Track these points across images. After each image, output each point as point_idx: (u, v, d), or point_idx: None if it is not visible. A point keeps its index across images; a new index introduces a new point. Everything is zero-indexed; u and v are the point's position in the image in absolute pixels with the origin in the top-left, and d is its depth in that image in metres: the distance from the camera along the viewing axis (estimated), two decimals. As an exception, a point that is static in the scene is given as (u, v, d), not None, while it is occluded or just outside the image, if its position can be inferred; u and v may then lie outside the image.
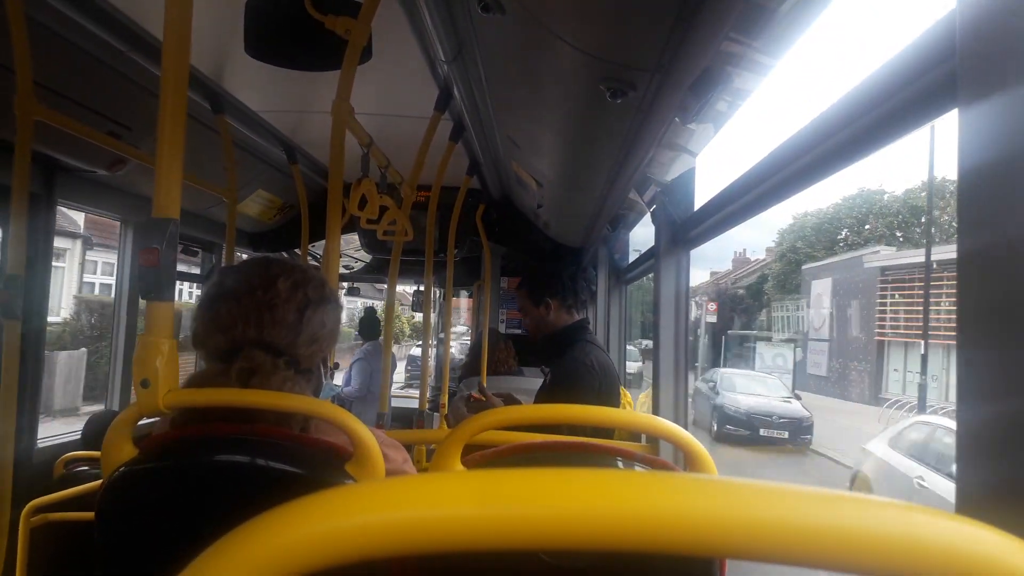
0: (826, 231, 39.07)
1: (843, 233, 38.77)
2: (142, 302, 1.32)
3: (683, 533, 0.38)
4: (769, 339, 33.09)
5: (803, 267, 35.58)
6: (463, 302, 11.81)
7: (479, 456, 1.40)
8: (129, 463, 1.24)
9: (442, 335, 5.73)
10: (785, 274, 39.13)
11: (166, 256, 1.25)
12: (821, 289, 32.31)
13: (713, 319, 37.09)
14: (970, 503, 0.73)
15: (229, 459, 1.27)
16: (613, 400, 2.81)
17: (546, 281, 3.02)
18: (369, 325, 7.17)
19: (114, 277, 4.10)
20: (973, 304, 0.72)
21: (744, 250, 48.87)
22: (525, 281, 3.12)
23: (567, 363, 2.79)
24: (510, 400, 3.06)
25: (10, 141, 2.17)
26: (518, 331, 5.91)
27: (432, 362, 5.82)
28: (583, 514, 0.38)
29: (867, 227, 38.02)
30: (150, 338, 1.25)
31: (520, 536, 0.38)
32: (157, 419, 1.39)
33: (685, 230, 2.31)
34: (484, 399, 3.03)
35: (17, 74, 2.08)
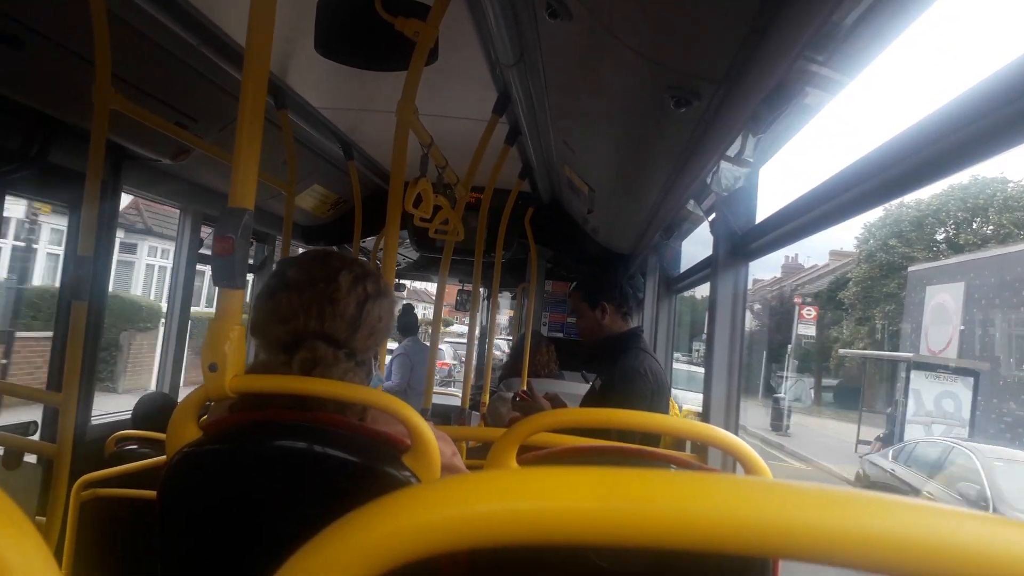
0: (929, 226, 29.71)
1: (948, 229, 29.52)
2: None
3: (743, 534, 0.38)
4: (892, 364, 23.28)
5: (909, 269, 26.54)
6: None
7: (533, 456, 1.41)
8: (193, 444, 1.28)
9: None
10: (874, 278, 30.38)
11: (240, 245, 1.29)
12: (944, 297, 23.20)
13: (811, 330, 29.99)
14: None
15: (289, 444, 1.30)
16: (663, 408, 2.81)
17: (603, 285, 3.02)
18: (407, 322, 7.27)
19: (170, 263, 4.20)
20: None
21: (795, 255, 43.55)
22: (581, 283, 3.12)
23: (620, 370, 2.79)
24: (557, 401, 3.07)
25: (84, 128, 2.24)
26: (559, 334, 5.91)
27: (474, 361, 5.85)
28: (696, 514, 0.38)
29: (983, 221, 28.60)
30: (220, 323, 1.28)
31: (635, 532, 0.38)
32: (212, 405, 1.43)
33: (745, 242, 2.29)
34: (530, 400, 3.04)
35: (97, 64, 2.15)
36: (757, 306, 37.45)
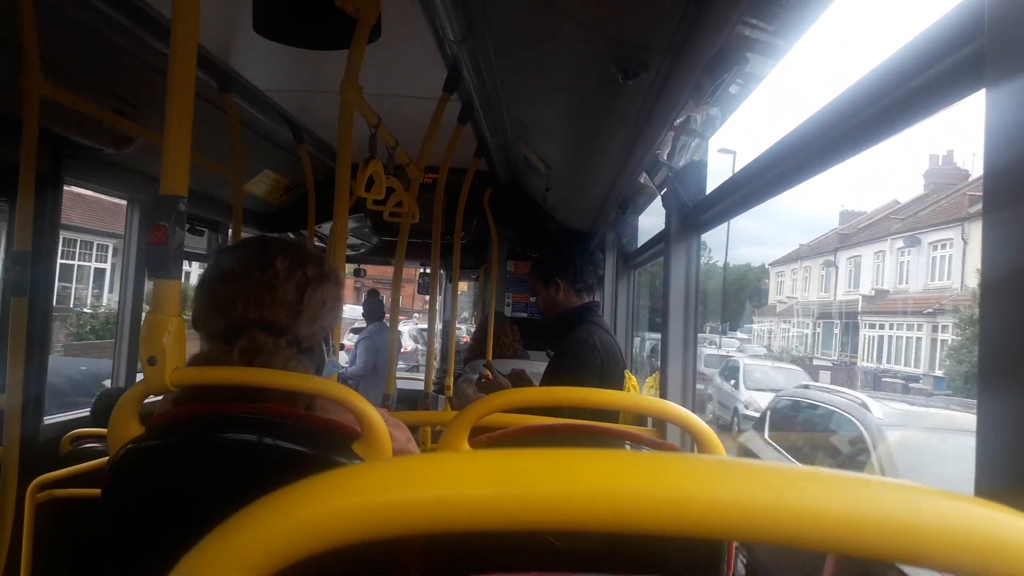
0: None
1: None
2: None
3: (696, 515, 0.37)
4: None
5: None
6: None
7: (486, 438, 1.39)
8: (136, 440, 1.24)
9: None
10: None
11: (174, 234, 1.24)
12: None
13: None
14: (988, 485, 0.72)
15: (236, 437, 1.27)
16: (616, 382, 2.82)
17: (556, 262, 3.03)
18: (373, 307, 7.25)
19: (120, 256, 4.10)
20: (997, 287, 0.70)
21: (950, 151, 29.87)
22: (536, 262, 3.13)
23: (569, 342, 2.80)
24: (522, 376, 3.07)
25: (18, 118, 2.16)
26: (523, 314, 5.91)
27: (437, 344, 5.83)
28: (594, 495, 0.37)
29: None
30: (157, 316, 1.24)
31: (532, 517, 0.37)
32: (159, 399, 1.39)
33: (696, 214, 2.29)
34: (492, 380, 3.03)
35: (24, 50, 2.07)
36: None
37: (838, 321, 30.01)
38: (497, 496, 0.37)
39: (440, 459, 0.40)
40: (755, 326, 40.14)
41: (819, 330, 32.27)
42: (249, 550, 0.38)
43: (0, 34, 2.31)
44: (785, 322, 36.61)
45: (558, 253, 3.11)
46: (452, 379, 4.35)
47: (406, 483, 0.38)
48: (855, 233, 32.87)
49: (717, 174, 2.39)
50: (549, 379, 2.83)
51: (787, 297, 37.92)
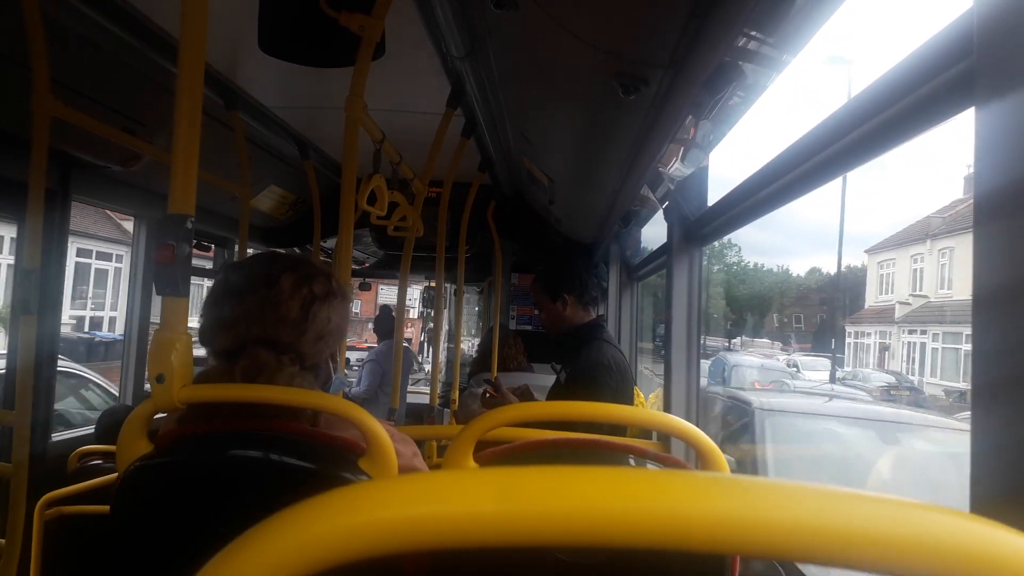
0: None
1: None
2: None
3: (701, 531, 0.38)
4: None
5: None
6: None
7: (491, 453, 1.40)
8: (144, 458, 1.25)
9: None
10: None
11: (181, 252, 1.26)
12: None
13: None
14: (985, 503, 0.73)
15: (243, 454, 1.27)
16: (627, 398, 2.81)
17: (563, 276, 2.99)
18: (384, 324, 6.93)
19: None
20: (989, 302, 0.71)
21: None
22: (541, 275, 3.09)
23: (584, 362, 2.78)
24: (527, 393, 3.06)
25: (27, 137, 2.18)
26: (528, 327, 5.91)
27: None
28: (600, 512, 0.38)
29: None
30: (165, 334, 1.25)
31: (537, 533, 0.38)
32: (164, 416, 1.40)
33: (698, 227, 2.30)
34: (497, 395, 3.02)
35: (34, 71, 2.09)
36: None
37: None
38: (503, 513, 0.38)
39: (448, 477, 0.41)
40: (854, 339, 30.25)
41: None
42: (261, 567, 0.39)
43: (10, 55, 2.34)
44: (912, 331, 25.21)
45: (564, 267, 3.07)
46: (457, 393, 4.36)
47: (416, 500, 0.39)
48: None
49: (718, 187, 2.39)
50: (563, 397, 2.80)
51: (912, 295, 26.36)
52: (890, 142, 1.05)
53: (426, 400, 5.18)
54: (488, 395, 3.06)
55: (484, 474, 0.40)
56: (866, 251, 33.30)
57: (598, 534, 0.38)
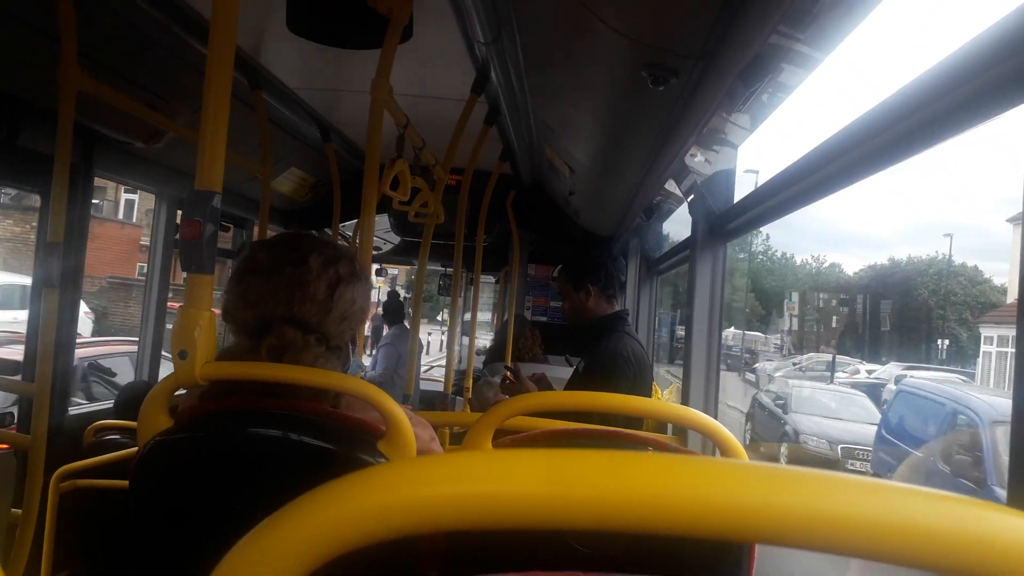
0: None
1: None
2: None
3: (722, 517, 0.37)
4: None
5: None
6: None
7: (509, 440, 1.40)
8: (164, 433, 1.26)
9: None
10: None
11: (208, 229, 1.26)
12: None
13: None
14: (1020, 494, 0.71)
15: (263, 432, 1.28)
16: (645, 391, 2.81)
17: (588, 266, 3.02)
18: (393, 309, 7.03)
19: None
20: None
21: None
22: (566, 265, 3.11)
23: (603, 353, 2.79)
24: (543, 381, 3.07)
25: (53, 110, 2.19)
26: (543, 318, 5.90)
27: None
28: (623, 496, 0.38)
29: None
30: (189, 310, 1.26)
31: (585, 516, 0.37)
32: (184, 392, 1.41)
33: (723, 222, 2.28)
34: (517, 380, 3.03)
35: (63, 43, 2.10)
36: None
37: None
38: (551, 495, 0.37)
39: (475, 457, 0.40)
40: (995, 347, 20.30)
41: None
42: (291, 547, 0.39)
43: (39, 26, 2.35)
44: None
45: (590, 257, 3.10)
46: (471, 380, 4.36)
47: (444, 479, 0.39)
48: None
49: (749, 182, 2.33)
50: (580, 387, 2.82)
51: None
52: (928, 139, 1.03)
53: (439, 388, 5.20)
54: (508, 381, 3.08)
55: (514, 455, 0.39)
56: (1009, 220, 25.36)
57: (622, 518, 0.38)
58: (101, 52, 2.55)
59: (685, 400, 2.36)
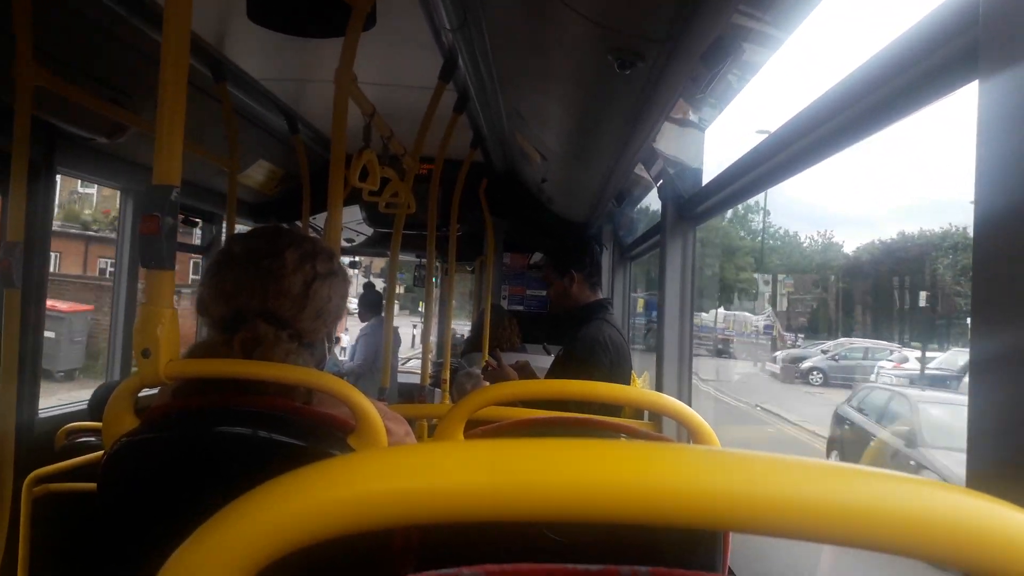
0: None
1: None
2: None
3: (691, 505, 0.37)
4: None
5: None
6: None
7: (481, 431, 1.39)
8: (130, 434, 1.24)
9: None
10: None
11: (167, 223, 1.23)
12: None
13: None
14: (981, 477, 0.72)
15: (231, 430, 1.26)
16: (623, 379, 2.81)
17: (574, 252, 3.01)
18: (371, 303, 6.98)
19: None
20: (990, 280, 0.70)
21: None
22: (551, 250, 3.11)
23: (581, 339, 2.79)
24: (526, 368, 3.07)
25: (9, 106, 2.14)
26: (520, 307, 5.89)
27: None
28: (588, 485, 0.37)
29: None
30: (151, 307, 1.23)
31: (527, 507, 0.36)
32: (157, 390, 1.39)
33: (692, 206, 2.28)
34: (499, 368, 3.03)
35: (17, 38, 2.05)
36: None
37: None
38: (490, 486, 0.36)
39: (433, 448, 0.40)
40: None
41: None
42: (239, 543, 0.38)
43: None
44: None
45: (576, 243, 3.09)
46: (448, 372, 4.35)
47: (398, 473, 0.38)
48: None
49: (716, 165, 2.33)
50: (559, 374, 2.82)
51: None
52: (890, 116, 1.03)
53: (416, 380, 5.18)
54: (489, 368, 3.07)
55: (472, 446, 0.39)
56: None
57: (589, 508, 0.37)
58: (58, 46, 2.49)
59: (659, 386, 2.37)
